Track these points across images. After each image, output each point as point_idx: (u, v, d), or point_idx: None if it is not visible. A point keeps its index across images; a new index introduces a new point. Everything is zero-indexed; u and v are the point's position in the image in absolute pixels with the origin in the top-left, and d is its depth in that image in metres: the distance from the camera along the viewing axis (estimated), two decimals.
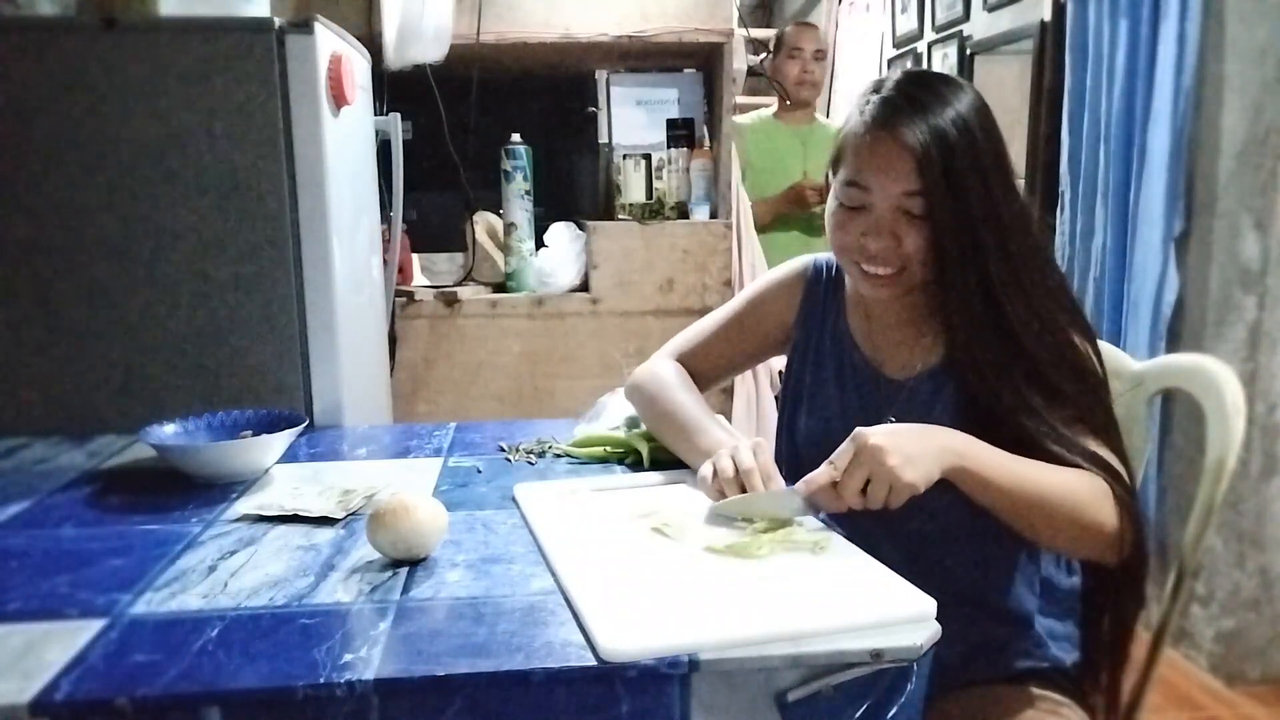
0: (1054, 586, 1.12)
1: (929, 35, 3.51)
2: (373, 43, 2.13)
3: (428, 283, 2.56)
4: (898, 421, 1.05)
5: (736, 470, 1.00)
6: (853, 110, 1.08)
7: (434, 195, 2.62)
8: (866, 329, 1.18)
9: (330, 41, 1.51)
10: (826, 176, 1.13)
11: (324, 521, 1.02)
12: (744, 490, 0.98)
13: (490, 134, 2.46)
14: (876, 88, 1.07)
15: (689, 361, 1.27)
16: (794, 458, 1.20)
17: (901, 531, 1.04)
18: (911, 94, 1.03)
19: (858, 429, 0.92)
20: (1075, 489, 0.96)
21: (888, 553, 1.04)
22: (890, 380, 1.14)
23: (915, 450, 0.90)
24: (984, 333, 1.03)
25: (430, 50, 2.21)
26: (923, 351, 1.13)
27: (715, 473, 1.02)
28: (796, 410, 1.22)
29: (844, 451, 0.92)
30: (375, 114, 1.95)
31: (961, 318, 1.04)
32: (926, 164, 1.00)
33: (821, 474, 0.93)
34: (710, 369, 1.28)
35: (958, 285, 1.03)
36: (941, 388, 1.10)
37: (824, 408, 1.18)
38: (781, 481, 0.99)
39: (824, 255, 1.24)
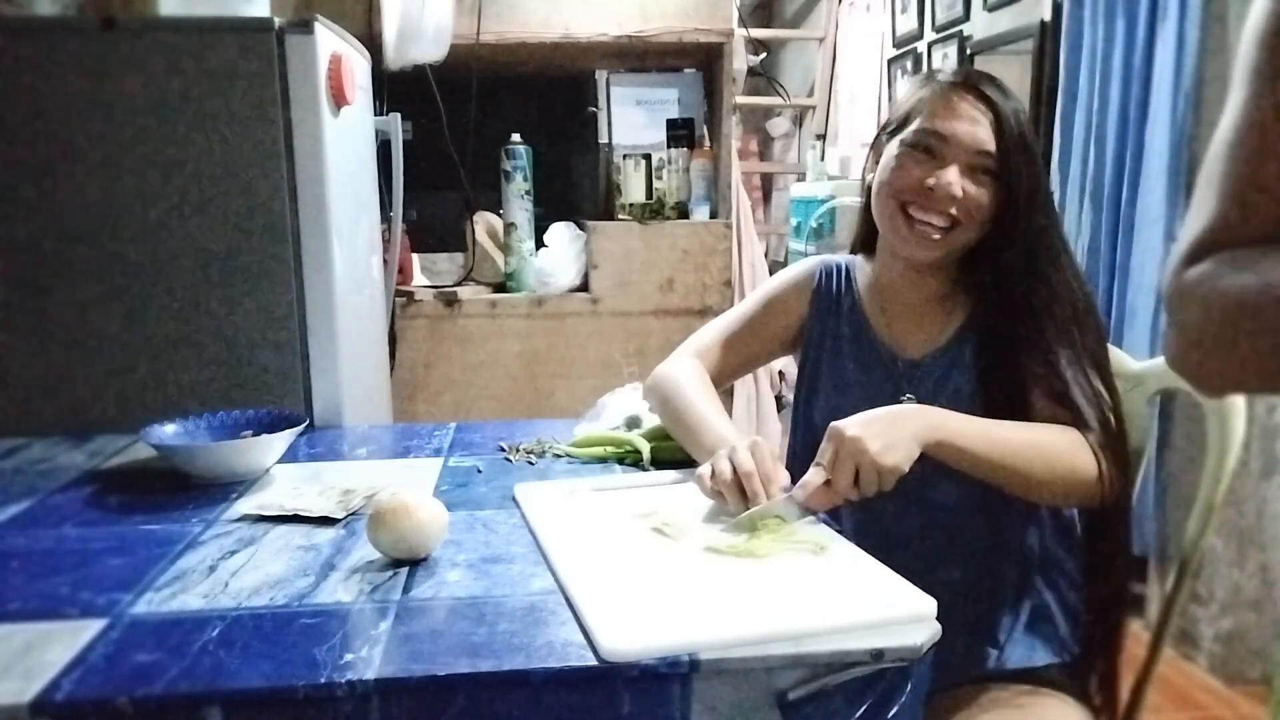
0: (1060, 564, 1.15)
1: (929, 35, 3.50)
2: (373, 43, 2.13)
3: (428, 283, 2.55)
4: (915, 400, 1.12)
5: (735, 471, 1.00)
6: (914, 86, 1.14)
7: (434, 195, 2.62)
8: (882, 315, 1.22)
9: (330, 41, 1.51)
10: None
11: (324, 521, 1.02)
12: (742, 491, 0.98)
13: (490, 134, 2.46)
14: (936, 73, 1.15)
15: (707, 359, 1.29)
16: (811, 444, 1.20)
17: (923, 501, 1.10)
18: (981, 75, 1.12)
19: (832, 424, 0.96)
20: (1050, 442, 1.03)
21: (908, 524, 1.07)
22: (908, 360, 1.18)
23: (891, 434, 0.94)
24: (1019, 302, 1.09)
25: (430, 50, 2.21)
26: (936, 331, 1.18)
27: (713, 473, 1.02)
28: (814, 398, 1.25)
29: (825, 450, 0.96)
30: (375, 114, 1.95)
31: (1004, 281, 1.10)
32: (1005, 126, 1.07)
33: (814, 476, 0.96)
34: (727, 366, 1.30)
35: (1007, 248, 1.09)
36: (956, 364, 1.15)
37: (844, 391, 1.21)
38: (787, 477, 1.00)
39: (833, 257, 1.29)
